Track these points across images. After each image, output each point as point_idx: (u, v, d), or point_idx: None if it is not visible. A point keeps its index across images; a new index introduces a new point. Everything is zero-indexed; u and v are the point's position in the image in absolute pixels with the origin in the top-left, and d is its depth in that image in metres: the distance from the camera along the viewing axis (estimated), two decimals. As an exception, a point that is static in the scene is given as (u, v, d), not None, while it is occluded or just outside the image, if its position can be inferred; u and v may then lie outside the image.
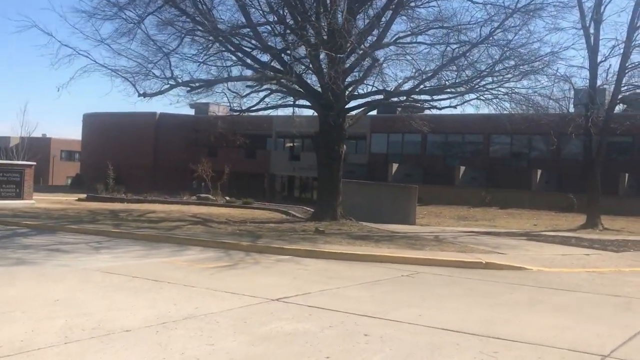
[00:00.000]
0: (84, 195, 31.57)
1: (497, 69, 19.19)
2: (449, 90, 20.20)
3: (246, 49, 18.78)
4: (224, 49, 19.36)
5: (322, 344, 5.30)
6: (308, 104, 22.05)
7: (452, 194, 35.56)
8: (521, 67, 19.39)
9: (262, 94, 21.91)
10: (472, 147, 41.18)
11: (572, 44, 29.05)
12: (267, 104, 22.55)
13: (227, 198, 31.55)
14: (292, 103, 23.01)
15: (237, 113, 23.66)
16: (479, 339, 5.67)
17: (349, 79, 20.18)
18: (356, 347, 5.27)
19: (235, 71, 20.52)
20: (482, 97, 19.96)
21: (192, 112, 51.09)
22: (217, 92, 21.67)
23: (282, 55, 18.74)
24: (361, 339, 5.52)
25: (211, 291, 7.54)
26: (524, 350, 5.37)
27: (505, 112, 20.95)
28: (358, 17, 19.30)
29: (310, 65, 19.40)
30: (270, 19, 18.11)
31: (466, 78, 19.60)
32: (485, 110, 28.99)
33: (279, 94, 22.13)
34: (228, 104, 22.92)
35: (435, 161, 41.24)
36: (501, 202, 32.82)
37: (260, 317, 6.25)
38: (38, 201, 24.10)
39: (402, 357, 5.00)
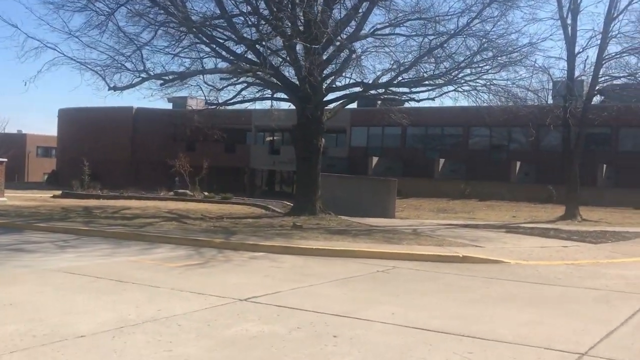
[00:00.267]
0: (59, 192, 30.91)
1: (475, 60, 19.04)
2: (427, 82, 20.03)
3: (220, 40, 18.35)
4: (198, 40, 18.94)
5: (288, 348, 5.02)
6: (286, 97, 21.72)
7: (432, 186, 35.49)
8: (499, 58, 19.27)
9: (239, 87, 21.56)
10: (452, 139, 41.16)
11: (550, 35, 28.96)
12: (244, 97, 22.18)
13: (206, 193, 31.12)
14: (270, 96, 22.65)
15: (214, 107, 23.26)
16: (452, 338, 5.44)
17: (327, 72, 19.89)
18: (324, 350, 5.00)
19: (210, 64, 20.12)
20: (460, 89, 19.80)
21: (170, 106, 50.39)
22: (191, 86, 21.26)
23: (257, 46, 18.36)
24: (330, 341, 5.26)
25: (177, 292, 7.22)
26: (499, 350, 5.16)
27: (483, 104, 20.81)
28: (335, 8, 19.00)
29: (287, 57, 19.07)
30: (244, 10, 17.71)
31: (444, 70, 19.43)
32: (464, 102, 28.93)
33: (256, 87, 21.78)
34: (204, 98, 22.51)
35: (415, 154, 41.15)
36: (480, 195, 32.82)
37: (226, 319, 5.96)
38: (10, 198, 23.48)
39: (371, 360, 4.75)
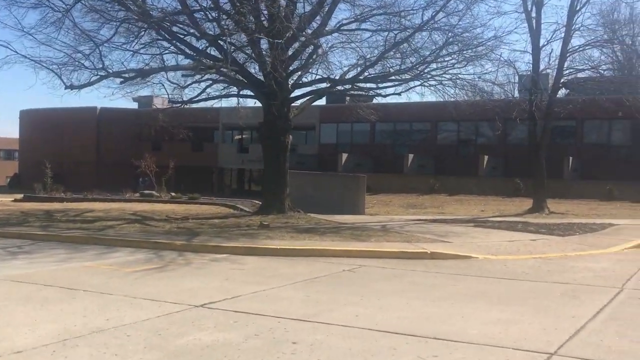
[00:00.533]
0: (20, 196, 29.97)
1: (441, 54, 18.93)
2: (393, 77, 19.86)
3: (180, 35, 17.85)
4: (159, 37, 18.40)
5: (243, 358, 4.70)
6: (252, 94, 21.31)
7: (402, 182, 35.43)
8: (465, 52, 19.19)
9: (203, 85, 21.07)
10: (420, 135, 41.17)
11: (515, 28, 29.22)
12: (208, 95, 21.68)
13: (173, 194, 30.52)
14: (236, 93, 22.20)
15: (179, 105, 22.72)
16: (418, 341, 5.18)
17: (293, 68, 19.55)
18: (281, 358, 4.69)
19: (172, 60, 19.59)
20: (426, 84, 19.67)
21: (135, 105, 49.37)
22: (154, 84, 20.71)
23: (220, 42, 17.91)
24: (288, 348, 4.95)
25: (130, 299, 6.82)
26: (466, 352, 4.92)
27: (450, 98, 20.73)
28: (299, 2, 18.68)
29: (252, 53, 18.67)
30: (205, 5, 17.23)
31: (410, 65, 19.27)
32: (431, 97, 28.92)
33: (221, 84, 21.32)
34: (167, 96, 21.94)
35: (385, 150, 41.08)
36: (449, 189, 32.87)
37: (179, 327, 5.60)
38: (-34, 203, 22.58)
39: (331, 369, 4.46)
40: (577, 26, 21.38)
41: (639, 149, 33.67)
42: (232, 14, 17.03)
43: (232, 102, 26.25)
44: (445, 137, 40.45)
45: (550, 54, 29.13)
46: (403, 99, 23.06)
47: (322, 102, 41.16)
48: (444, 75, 19.74)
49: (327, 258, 10.14)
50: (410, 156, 37.47)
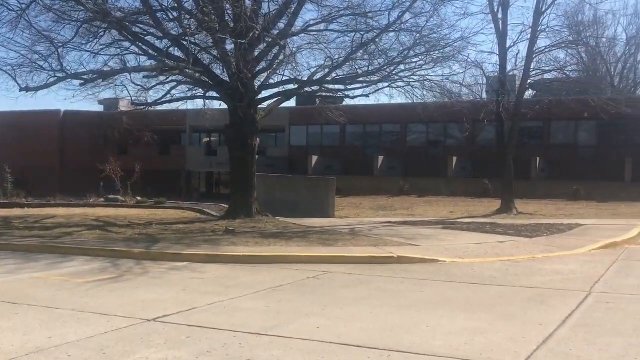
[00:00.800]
0: (-22, 202, 28.94)
1: (409, 55, 18.80)
2: (362, 79, 19.67)
3: (142, 35, 17.33)
4: (122, 38, 17.85)
5: (191, 378, 4.36)
6: (217, 95, 20.88)
7: (372, 184, 35.32)
8: (432, 53, 19.09)
9: (168, 87, 20.55)
10: (390, 136, 41.16)
11: (482, 29, 29.53)
12: (172, 97, 21.14)
13: (139, 198, 29.85)
14: (201, 95, 21.73)
15: (143, 107, 22.16)
16: (380, 355, 4.91)
17: (260, 68, 19.19)
18: (233, 378, 4.37)
19: (135, 61, 19.03)
20: (393, 85, 19.52)
21: (101, 108, 48.26)
22: (116, 85, 20.12)
23: (184, 42, 17.45)
24: (241, 366, 4.62)
25: (77, 313, 6.40)
26: (430, 366, 4.66)
27: (418, 100, 20.64)
28: (264, 1, 18.33)
29: (216, 54, 18.25)
30: (166, 4, 16.73)
31: (378, 66, 19.10)
32: (399, 99, 28.84)
33: (186, 85, 20.84)
34: (130, 98, 21.38)
35: (355, 152, 40.95)
36: (419, 190, 32.86)
37: (126, 345, 5.22)
38: None
39: (286, 389, 4.14)
40: (543, 27, 21.51)
41: (605, 149, 34.20)
42: (195, 13, 16.62)
43: (199, 104, 25.76)
44: (414, 138, 40.52)
45: (517, 55, 29.41)
46: (372, 100, 23.02)
47: (291, 104, 40.85)
48: (412, 76, 19.62)
49: (292, 265, 9.82)
50: (380, 158, 37.42)
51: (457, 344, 5.20)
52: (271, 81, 20.30)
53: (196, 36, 17.94)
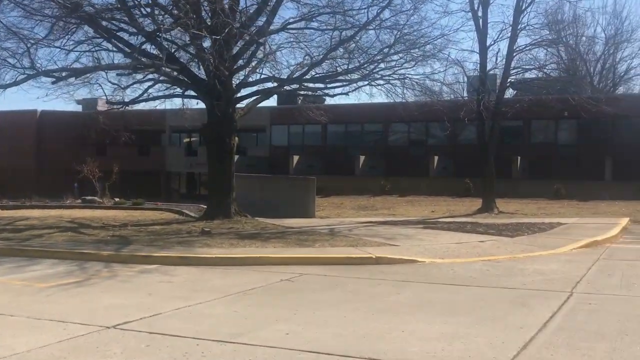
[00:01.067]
0: (-50, 204, 28.19)
1: (389, 53, 18.57)
2: (342, 77, 19.40)
3: (115, 31, 16.86)
4: (97, 35, 17.36)
5: (146, 392, 4.02)
6: (195, 94, 20.46)
7: (353, 183, 35.07)
8: (412, 51, 18.89)
9: (145, 85, 20.10)
10: (372, 136, 40.92)
11: (461, 26, 29.53)
12: (149, 95, 20.67)
13: (117, 199, 29.33)
14: (180, 94, 21.29)
15: (120, 107, 21.66)
16: (351, 363, 4.61)
17: (238, 66, 18.82)
18: (190, 392, 4.03)
19: (109, 59, 18.54)
20: (374, 84, 19.28)
21: (80, 108, 47.41)
22: (91, 84, 19.61)
23: (158, 39, 17.00)
24: (202, 378, 4.29)
25: (33, 320, 6.01)
26: (404, 374, 4.37)
27: (399, 99, 20.42)
28: (242, -1, 18.02)
29: (193, 51, 17.85)
30: (140, 1, 16.26)
31: (358, 64, 18.85)
32: (380, 98, 28.64)
33: (164, 84, 20.39)
34: (105, 97, 20.88)
35: (337, 151, 40.66)
36: (401, 190, 32.67)
37: (79, 355, 4.85)
38: None
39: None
40: (523, 25, 21.42)
41: (585, 148, 34.30)
42: (170, 9, 16.21)
43: (178, 103, 25.31)
44: (396, 138, 40.34)
45: (497, 53, 29.38)
46: (354, 99, 22.81)
47: (273, 103, 40.47)
48: (392, 75, 19.41)
49: (266, 267, 9.49)
50: (362, 157, 37.18)
51: (433, 350, 4.92)
52: (250, 79, 19.96)
53: (173, 33, 17.56)
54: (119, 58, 18.72)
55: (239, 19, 16.90)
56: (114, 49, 17.95)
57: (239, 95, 19.88)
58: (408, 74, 19.43)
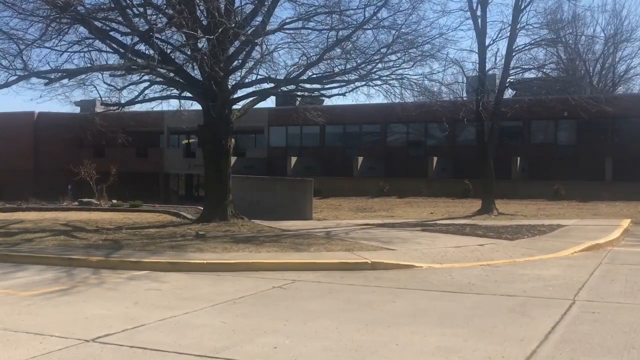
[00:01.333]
0: (-54, 207, 27.97)
1: (386, 52, 18.33)
2: (339, 78, 19.16)
3: (107, 30, 16.59)
4: (92, 35, 17.09)
5: (119, 416, 3.74)
6: (191, 95, 20.21)
7: (352, 185, 34.82)
8: (411, 51, 18.65)
9: (141, 86, 19.85)
10: (370, 137, 40.68)
11: (459, 25, 29.34)
12: (145, 97, 20.42)
13: (114, 201, 29.09)
14: (176, 95, 21.05)
15: (117, 108, 21.45)
16: (341, 381, 4.33)
17: (234, 66, 18.57)
18: (167, 415, 3.76)
19: (102, 60, 18.29)
20: (370, 84, 19.03)
21: (78, 110, 47.10)
22: (86, 85, 19.39)
23: (154, 39, 16.72)
24: (180, 398, 4.02)
25: (8, 333, 5.73)
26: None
27: (397, 99, 20.17)
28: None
29: (187, 51, 17.59)
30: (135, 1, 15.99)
31: (355, 64, 18.60)
32: (378, 99, 28.39)
33: (160, 85, 20.15)
34: (99, 98, 20.64)
35: (335, 153, 40.41)
36: (399, 191, 32.41)
37: (53, 372, 4.59)
38: None
39: None
40: (522, 25, 21.16)
41: (585, 148, 34.05)
42: (164, 9, 15.95)
43: (175, 105, 25.07)
44: (394, 139, 40.09)
45: (496, 53, 29.14)
46: (351, 100, 22.61)
47: (271, 104, 40.23)
48: (390, 75, 19.17)
49: (258, 273, 9.22)
50: (360, 159, 36.92)
51: (428, 366, 4.65)
52: (246, 80, 19.71)
53: (168, 34, 17.30)
54: (114, 59, 18.52)
55: (234, 19, 16.63)
56: (109, 49, 17.73)
57: (235, 96, 19.64)
58: (406, 74, 19.23)
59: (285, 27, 18.30)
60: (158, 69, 17.20)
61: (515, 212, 21.51)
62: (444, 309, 6.74)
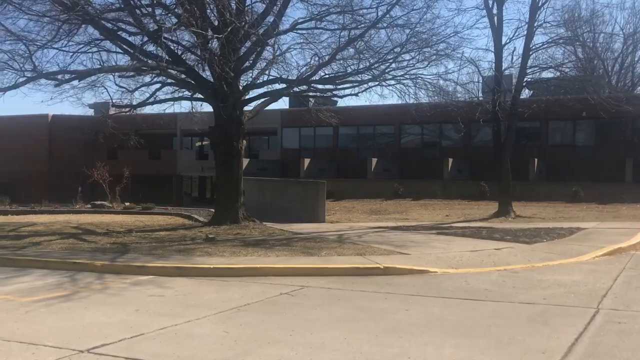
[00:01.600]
0: (-42, 209, 28.10)
1: (400, 52, 17.99)
2: (352, 78, 18.84)
3: (117, 32, 16.42)
4: (100, 37, 16.95)
5: None
6: (202, 96, 20.01)
7: (365, 187, 34.40)
8: (425, 49, 18.28)
9: (153, 88, 19.69)
10: (384, 138, 40.22)
11: (475, 23, 28.83)
12: (155, 98, 20.25)
13: (127, 204, 29.05)
14: (188, 97, 20.86)
15: (128, 110, 21.31)
16: (348, 399, 4.00)
17: (245, 66, 18.33)
18: None
19: (112, 61, 18.14)
20: (384, 84, 18.67)
21: (91, 112, 47.25)
22: (96, 87, 19.25)
23: (163, 39, 16.53)
24: (173, 418, 3.72)
25: (2, 343, 5.48)
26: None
27: (411, 100, 19.79)
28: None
29: (198, 52, 17.37)
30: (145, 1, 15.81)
31: (368, 64, 18.27)
32: (392, 99, 27.99)
33: (172, 87, 19.98)
34: (110, 100, 20.53)
35: (348, 154, 40.03)
36: (414, 193, 31.95)
37: (41, 387, 4.31)
38: None
39: None
40: (539, 23, 20.66)
41: (604, 149, 33.32)
42: (174, 8, 15.75)
43: (188, 106, 24.95)
44: (409, 140, 39.62)
45: (513, 52, 28.62)
46: (365, 101, 22.29)
47: (284, 106, 39.98)
48: (404, 75, 18.81)
49: (266, 278, 8.91)
50: (374, 160, 36.50)
51: (442, 382, 4.31)
52: (257, 81, 19.46)
53: (178, 35, 17.11)
54: (124, 60, 18.36)
55: (244, 19, 16.39)
56: (118, 50, 17.57)
57: (246, 97, 19.40)
58: (420, 74, 18.86)
59: (297, 27, 18.05)
60: (168, 70, 17.02)
61: (532, 214, 21.00)
62: (459, 318, 6.38)
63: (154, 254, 11.02)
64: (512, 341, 5.43)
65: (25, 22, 16.22)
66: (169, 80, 18.93)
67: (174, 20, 16.11)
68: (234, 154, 18.35)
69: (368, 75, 18.69)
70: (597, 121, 31.73)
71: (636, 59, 46.96)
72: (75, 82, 17.87)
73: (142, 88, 19.91)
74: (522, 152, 31.72)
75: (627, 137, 33.27)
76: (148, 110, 27.33)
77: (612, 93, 34.27)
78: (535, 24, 20.50)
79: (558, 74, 24.23)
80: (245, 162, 33.46)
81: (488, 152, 29.18)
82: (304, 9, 18.80)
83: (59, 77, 16.54)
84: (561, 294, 7.56)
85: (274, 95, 20.78)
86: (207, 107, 22.39)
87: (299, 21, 18.13)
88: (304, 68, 18.99)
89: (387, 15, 17.10)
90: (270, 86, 19.71)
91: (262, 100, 20.24)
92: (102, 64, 17.51)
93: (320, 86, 20.15)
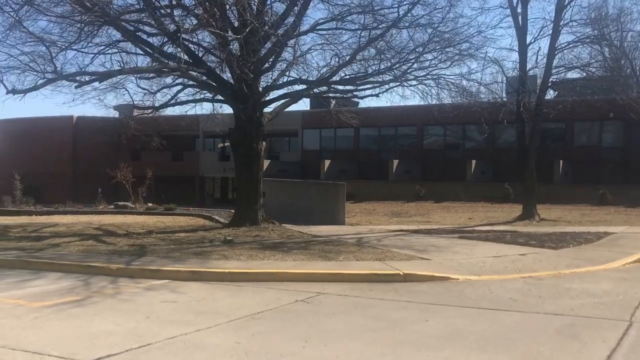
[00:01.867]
0: (-13, 209, 28.55)
1: (422, 51, 17.66)
2: (373, 79, 18.57)
3: (138, 33, 16.37)
4: (121, 38, 16.93)
5: None
6: (223, 98, 19.92)
7: (386, 188, 34.02)
8: (448, 49, 17.92)
9: (174, 90, 19.68)
10: (406, 139, 39.77)
11: (499, 23, 28.37)
12: (176, 100, 20.21)
13: (150, 204, 29.17)
14: (209, 98, 20.81)
15: (151, 112, 21.35)
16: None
17: (265, 67, 18.18)
18: None
19: (132, 63, 18.11)
20: (405, 84, 18.35)
21: (116, 114, 47.66)
22: (116, 88, 19.33)
23: (183, 40, 16.43)
24: None
25: (6, 352, 5.30)
26: None
27: (433, 100, 19.43)
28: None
29: (218, 53, 17.25)
30: (165, 2, 15.71)
31: (389, 65, 17.97)
32: (414, 100, 27.62)
33: (193, 89, 19.96)
34: (132, 102, 20.59)
35: (369, 156, 39.67)
36: (436, 195, 31.49)
37: (40, 401, 4.13)
38: None
39: None
40: (565, 22, 20.13)
41: (632, 150, 32.45)
42: (193, 9, 15.64)
43: (210, 108, 24.89)
44: (431, 141, 39.12)
45: (537, 52, 28.01)
46: (386, 102, 21.96)
47: (305, 107, 39.81)
48: (426, 75, 18.47)
49: (282, 283, 8.67)
50: (395, 162, 36.09)
51: (463, 403, 4.02)
52: (277, 82, 19.29)
53: (199, 36, 17.01)
54: (145, 62, 18.34)
55: (264, 20, 16.21)
56: (139, 52, 17.55)
57: (266, 98, 19.25)
58: (443, 74, 18.54)
59: (317, 27, 17.83)
60: (189, 71, 16.94)
61: (558, 217, 20.47)
62: (482, 330, 6.06)
63: (171, 257, 10.87)
64: (539, 357, 5.11)
65: (46, 24, 16.30)
66: (190, 82, 18.90)
67: (194, 21, 16.02)
68: (253, 155, 18.21)
69: (389, 75, 18.41)
70: (625, 122, 30.94)
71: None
72: (96, 84, 17.97)
73: (164, 90, 19.98)
74: (547, 154, 31.04)
75: (657, 139, 32.38)
76: (170, 111, 27.42)
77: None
78: (561, 23, 20.00)
79: (584, 74, 23.64)
80: (266, 163, 33.38)
81: (512, 154, 28.60)
82: (324, 9, 18.64)
83: (79, 78, 16.57)
84: (590, 304, 7.19)
85: (294, 97, 20.59)
86: (228, 109, 22.28)
87: (319, 22, 17.93)
88: (325, 69, 18.79)
89: (409, 15, 16.80)
90: (290, 87, 19.57)
91: (282, 101, 20.09)
92: (122, 65, 17.52)
93: (340, 87, 19.92)
